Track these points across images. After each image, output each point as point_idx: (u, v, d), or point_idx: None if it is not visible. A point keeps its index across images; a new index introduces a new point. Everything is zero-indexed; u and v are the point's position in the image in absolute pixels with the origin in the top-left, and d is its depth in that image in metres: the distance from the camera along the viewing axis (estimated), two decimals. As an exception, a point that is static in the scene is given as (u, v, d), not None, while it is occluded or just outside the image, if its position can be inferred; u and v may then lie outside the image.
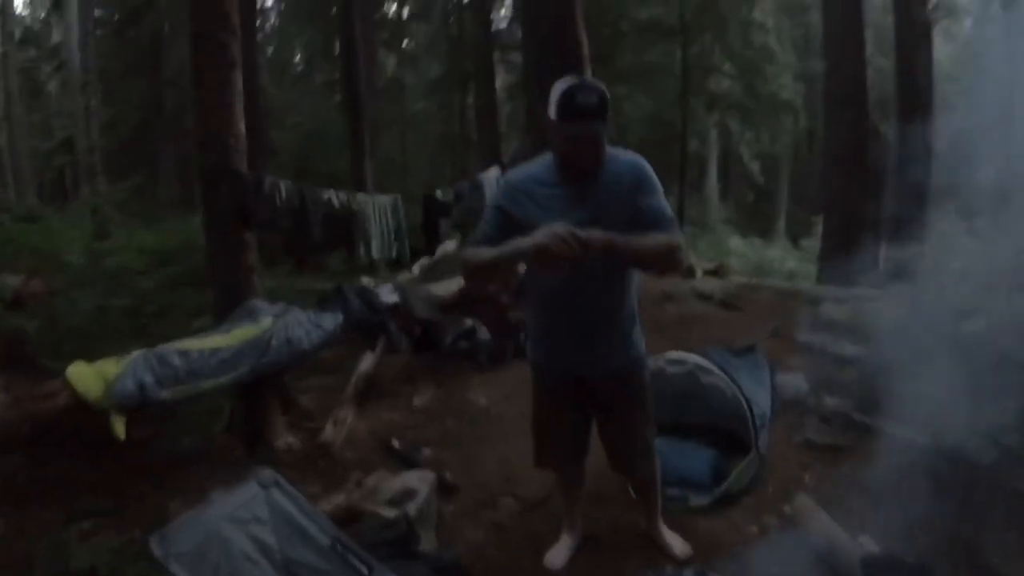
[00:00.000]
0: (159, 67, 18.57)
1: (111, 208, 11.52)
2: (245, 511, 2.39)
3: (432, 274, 5.46)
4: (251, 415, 3.95)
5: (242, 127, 3.85)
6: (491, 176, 5.84)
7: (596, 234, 2.16)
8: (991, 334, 2.99)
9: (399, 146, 20.25)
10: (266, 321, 3.86)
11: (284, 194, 4.12)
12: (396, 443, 3.80)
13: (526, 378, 4.49)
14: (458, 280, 4.97)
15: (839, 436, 3.57)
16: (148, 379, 3.41)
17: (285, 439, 3.96)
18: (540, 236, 2.13)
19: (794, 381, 4.01)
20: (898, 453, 3.08)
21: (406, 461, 3.68)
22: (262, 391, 3.93)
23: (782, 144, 19.18)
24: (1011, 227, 3.13)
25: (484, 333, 4.66)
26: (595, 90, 2.21)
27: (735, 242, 17.49)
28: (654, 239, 2.31)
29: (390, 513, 3.00)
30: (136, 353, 3.50)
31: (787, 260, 16.77)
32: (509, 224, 2.36)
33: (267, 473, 2.55)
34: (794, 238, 19.70)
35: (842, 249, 6.98)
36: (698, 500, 3.22)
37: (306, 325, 4.01)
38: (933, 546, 2.56)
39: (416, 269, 6.19)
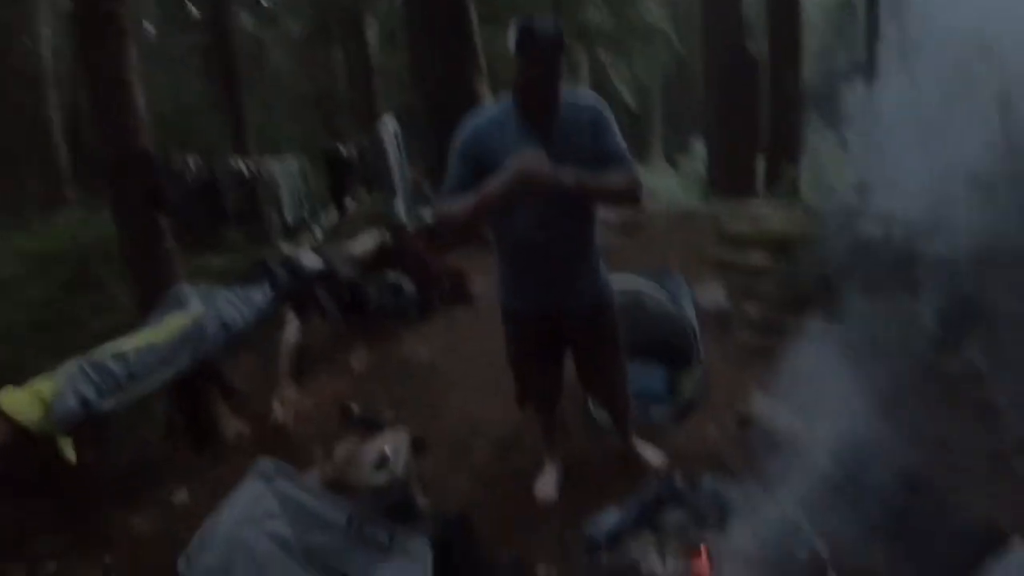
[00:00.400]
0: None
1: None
2: (256, 509, 2.36)
3: (339, 235, 5.37)
4: (194, 410, 3.79)
5: (142, 103, 3.58)
6: (388, 128, 5.74)
7: (568, 172, 2.27)
8: (888, 235, 3.38)
9: (264, 110, 18.99)
10: (196, 307, 3.69)
11: (194, 169, 3.91)
12: (355, 408, 3.80)
13: (461, 326, 4.69)
14: (372, 237, 4.94)
15: (768, 338, 3.93)
16: (89, 391, 3.18)
17: (234, 428, 3.86)
18: (516, 163, 2.22)
19: (713, 294, 4.35)
20: (827, 345, 3.47)
21: (370, 425, 3.69)
22: (200, 382, 3.79)
23: (654, 71, 19.66)
24: (880, 137, 3.52)
25: (409, 286, 4.67)
26: (551, 24, 2.29)
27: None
28: (618, 177, 2.45)
29: (379, 479, 3.03)
30: (69, 365, 3.24)
31: (670, 183, 17.51)
32: (476, 171, 2.39)
33: (265, 464, 2.51)
34: (671, 160, 20.43)
35: (730, 168, 7.44)
36: (659, 412, 3.49)
37: (237, 304, 3.87)
38: (883, 424, 2.90)
39: (319, 232, 6.04)
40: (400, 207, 5.83)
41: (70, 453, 3.05)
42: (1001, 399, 3.15)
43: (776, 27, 9.63)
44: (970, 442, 2.98)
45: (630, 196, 2.54)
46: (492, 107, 2.55)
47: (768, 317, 4.05)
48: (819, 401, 3.14)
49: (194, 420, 3.77)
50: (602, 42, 16.75)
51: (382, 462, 3.18)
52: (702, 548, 2.53)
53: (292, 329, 4.49)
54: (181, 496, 3.43)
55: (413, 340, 4.52)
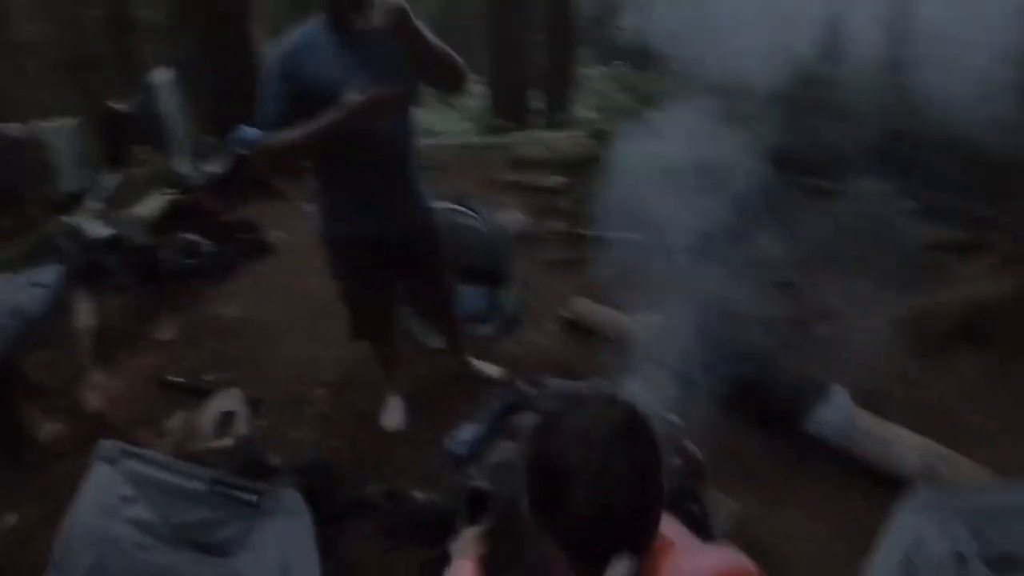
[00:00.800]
0: None
1: None
2: (110, 497, 2.13)
3: (123, 199, 4.84)
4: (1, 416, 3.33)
5: None
6: (162, 81, 5.21)
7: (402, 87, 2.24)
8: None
9: (10, 77, 15.92)
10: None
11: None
12: (177, 379, 3.56)
13: (266, 279, 4.51)
14: (160, 198, 4.55)
15: (572, 251, 4.23)
16: None
17: (49, 429, 3.43)
18: (355, 98, 2.15)
19: (514, 216, 4.56)
20: (628, 251, 3.81)
21: (195, 392, 3.48)
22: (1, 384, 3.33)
23: (429, 12, 19.13)
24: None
25: (206, 245, 4.38)
26: None
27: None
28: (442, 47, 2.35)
29: (225, 442, 2.92)
30: None
31: (451, 119, 17.40)
32: (293, 93, 2.30)
33: (105, 445, 2.23)
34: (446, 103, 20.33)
35: (510, 103, 7.65)
36: (486, 330, 3.66)
37: (24, 288, 3.42)
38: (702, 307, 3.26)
39: (97, 197, 5.39)
40: (182, 163, 5.41)
41: None
42: (796, 278, 3.70)
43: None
44: (778, 312, 3.46)
45: (459, 71, 2.40)
46: (301, 28, 2.41)
47: (572, 232, 4.34)
48: (639, 298, 3.50)
49: (6, 428, 3.33)
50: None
51: (223, 424, 3.07)
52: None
53: (85, 310, 4.06)
54: (10, 520, 2.98)
55: (219, 299, 4.23)
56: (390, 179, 2.58)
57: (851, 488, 2.69)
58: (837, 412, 2.76)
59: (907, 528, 2.20)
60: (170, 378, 3.52)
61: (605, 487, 1.05)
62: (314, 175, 2.63)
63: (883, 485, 2.63)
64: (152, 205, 4.51)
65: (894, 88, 4.54)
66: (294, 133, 2.25)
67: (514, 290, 3.81)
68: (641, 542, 1.09)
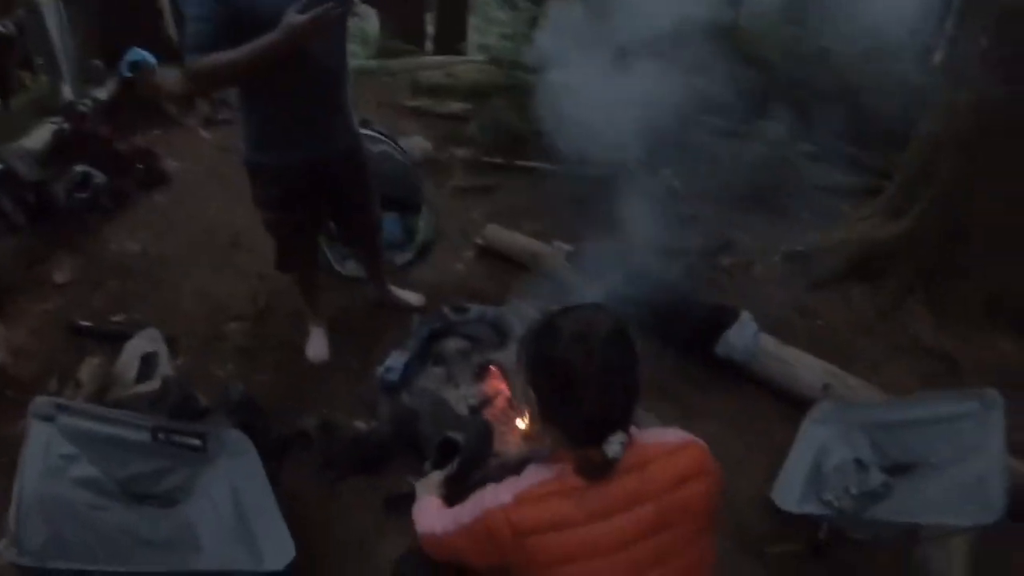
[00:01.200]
0: None
1: None
2: (51, 457, 2.07)
3: (6, 129, 4.42)
4: None
5: None
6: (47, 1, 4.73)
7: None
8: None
9: None
10: None
11: None
12: (85, 323, 3.42)
13: (166, 210, 4.33)
14: (48, 128, 4.22)
15: (481, 178, 4.29)
16: None
17: None
18: (297, 19, 2.12)
19: (419, 142, 4.55)
20: (538, 178, 3.92)
21: (108, 336, 3.37)
22: None
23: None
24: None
25: (99, 176, 4.13)
26: None
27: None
28: None
29: (151, 385, 2.88)
30: None
31: None
32: (228, 14, 2.20)
33: (40, 403, 2.17)
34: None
35: (402, 29, 7.34)
36: (402, 257, 3.72)
37: None
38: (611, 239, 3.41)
39: None
40: (68, 89, 5.01)
41: None
42: (700, 212, 3.91)
43: None
44: (684, 244, 3.68)
45: None
46: None
47: (478, 159, 4.39)
48: (551, 226, 3.64)
49: None
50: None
51: (145, 366, 3.02)
52: (491, 367, 2.88)
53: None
54: None
55: (117, 234, 4.01)
56: (325, 102, 2.56)
57: (758, 404, 2.98)
58: (745, 335, 3.01)
59: (813, 438, 2.54)
60: (80, 323, 3.38)
61: (604, 378, 1.26)
62: (242, 99, 2.55)
63: (785, 401, 2.95)
64: (40, 136, 4.18)
65: (795, 39, 4.78)
66: (234, 55, 2.18)
67: (427, 217, 3.86)
68: (629, 422, 1.32)
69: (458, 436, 2.10)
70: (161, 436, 2.32)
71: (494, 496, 1.37)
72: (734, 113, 4.54)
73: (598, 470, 1.31)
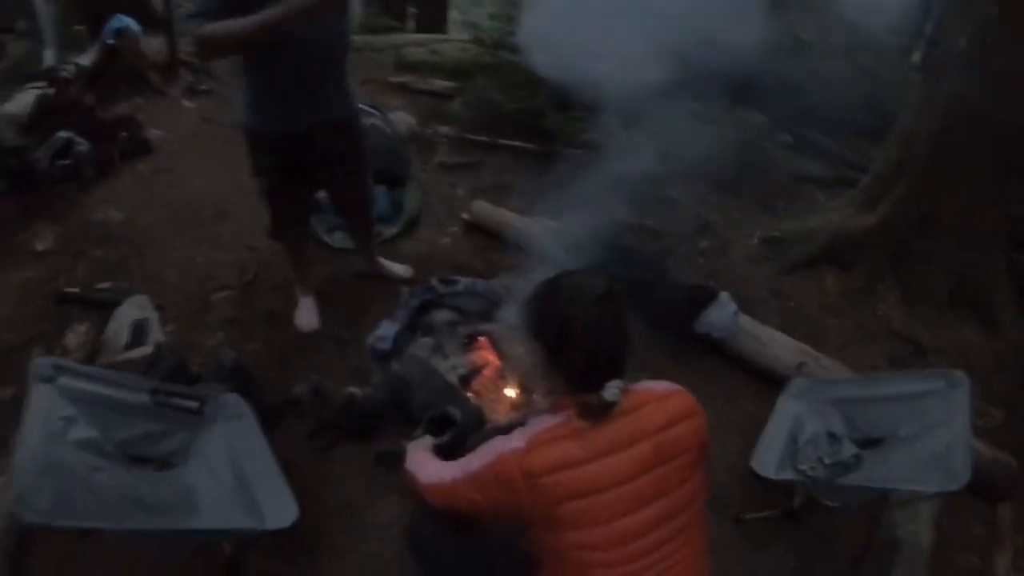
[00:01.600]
0: None
1: None
2: (53, 420, 2.07)
3: None
4: None
5: None
6: None
7: None
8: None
9: None
10: None
11: None
12: (71, 290, 3.40)
13: (149, 179, 4.32)
14: (29, 93, 4.15)
15: (465, 155, 4.34)
16: None
17: None
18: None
19: (404, 118, 4.58)
20: (521, 156, 3.98)
21: (95, 303, 3.35)
22: None
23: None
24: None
25: (81, 143, 4.09)
26: None
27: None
28: None
29: (144, 350, 2.89)
30: None
31: None
32: None
33: (41, 364, 2.15)
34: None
35: (385, 8, 7.30)
36: (390, 230, 3.76)
37: None
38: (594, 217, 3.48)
39: None
40: (49, 54, 4.92)
41: None
42: (679, 195, 4.01)
43: None
44: (670, 227, 3.77)
45: None
46: None
47: (462, 136, 4.43)
48: (534, 202, 3.70)
49: None
50: None
51: (138, 332, 3.03)
52: (480, 338, 2.96)
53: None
54: None
55: (100, 203, 3.96)
56: (326, 74, 2.59)
57: (733, 379, 3.12)
58: (723, 315, 3.14)
59: (789, 412, 2.67)
60: (66, 290, 3.36)
61: (601, 328, 1.45)
62: (243, 68, 2.56)
63: (759, 378, 3.09)
64: (22, 101, 4.11)
65: (775, 29, 4.87)
66: (237, 25, 2.20)
67: (414, 192, 3.91)
68: (624, 370, 1.49)
69: (456, 412, 2.20)
70: (160, 398, 2.33)
71: (505, 443, 1.49)
72: (712, 99, 4.63)
73: (598, 413, 1.47)
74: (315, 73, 2.56)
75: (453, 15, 7.69)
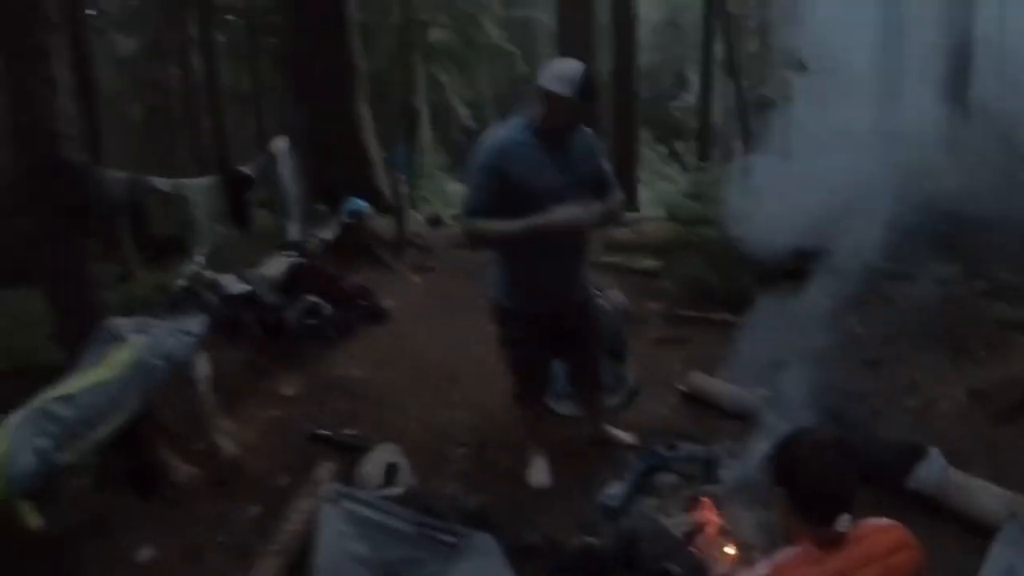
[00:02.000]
0: None
1: None
2: (338, 537, 2.42)
3: (244, 258, 5.15)
4: (135, 453, 3.43)
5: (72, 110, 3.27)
6: (281, 148, 5.64)
7: (596, 206, 2.77)
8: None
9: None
10: (137, 340, 3.45)
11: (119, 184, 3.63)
12: (323, 431, 3.75)
13: (384, 343, 4.76)
14: (284, 259, 4.87)
15: (677, 329, 4.52)
16: (44, 444, 2.82)
17: (185, 470, 3.51)
18: (561, 216, 2.64)
19: (617, 295, 4.85)
20: (729, 328, 4.09)
21: (344, 445, 3.64)
22: (141, 423, 3.51)
23: (495, 89, 20.28)
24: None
25: (326, 307, 4.65)
26: (594, 73, 2.72)
27: (452, 187, 18.26)
28: (616, 199, 2.97)
29: (396, 490, 3.11)
30: (13, 418, 2.85)
31: None
32: (501, 186, 2.72)
33: (328, 490, 2.59)
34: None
35: None
36: (613, 400, 3.92)
37: (174, 335, 3.65)
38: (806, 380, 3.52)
39: (200, 257, 5.70)
40: (294, 228, 5.78)
41: (34, 519, 2.72)
42: (881, 355, 3.99)
43: (617, 47, 10.81)
44: (871, 386, 3.73)
45: (623, 215, 3.04)
46: (509, 128, 2.87)
47: (673, 312, 4.64)
48: (747, 373, 3.77)
49: (138, 465, 3.48)
50: (444, 60, 17.24)
51: (390, 474, 3.27)
52: (702, 500, 2.99)
53: (203, 360, 4.27)
54: (146, 553, 3.11)
55: (341, 360, 4.52)
56: (575, 262, 3.01)
57: (946, 533, 2.96)
58: (933, 470, 3.10)
59: (1001, 559, 2.51)
60: (318, 431, 3.72)
61: (834, 472, 1.73)
62: (500, 253, 3.00)
63: (971, 531, 2.94)
64: (275, 266, 4.81)
65: (957, 172, 4.93)
66: (502, 227, 2.70)
67: (632, 364, 4.09)
68: (854, 506, 1.72)
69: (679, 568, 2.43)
70: (424, 529, 2.55)
71: (751, 572, 1.78)
72: (904, 255, 4.65)
73: (831, 542, 1.71)
74: (567, 262, 2.97)
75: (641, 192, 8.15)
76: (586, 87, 2.66)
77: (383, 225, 5.92)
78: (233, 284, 4.37)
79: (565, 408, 3.85)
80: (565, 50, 11.42)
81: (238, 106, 16.30)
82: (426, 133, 22.30)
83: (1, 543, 2.84)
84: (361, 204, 5.68)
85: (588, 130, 2.95)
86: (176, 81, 15.97)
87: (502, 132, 2.86)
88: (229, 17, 15.78)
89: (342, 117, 6.93)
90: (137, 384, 3.29)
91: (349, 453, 3.57)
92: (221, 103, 14.27)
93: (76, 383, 3.17)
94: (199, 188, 4.59)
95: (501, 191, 2.72)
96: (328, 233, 5.58)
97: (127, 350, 3.37)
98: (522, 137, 2.79)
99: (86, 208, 3.43)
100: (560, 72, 2.70)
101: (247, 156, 6.70)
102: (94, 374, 3.23)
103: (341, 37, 7.22)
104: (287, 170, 5.68)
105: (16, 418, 2.89)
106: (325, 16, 7.17)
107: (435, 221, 8.16)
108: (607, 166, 3.01)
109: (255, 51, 14.78)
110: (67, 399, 3.05)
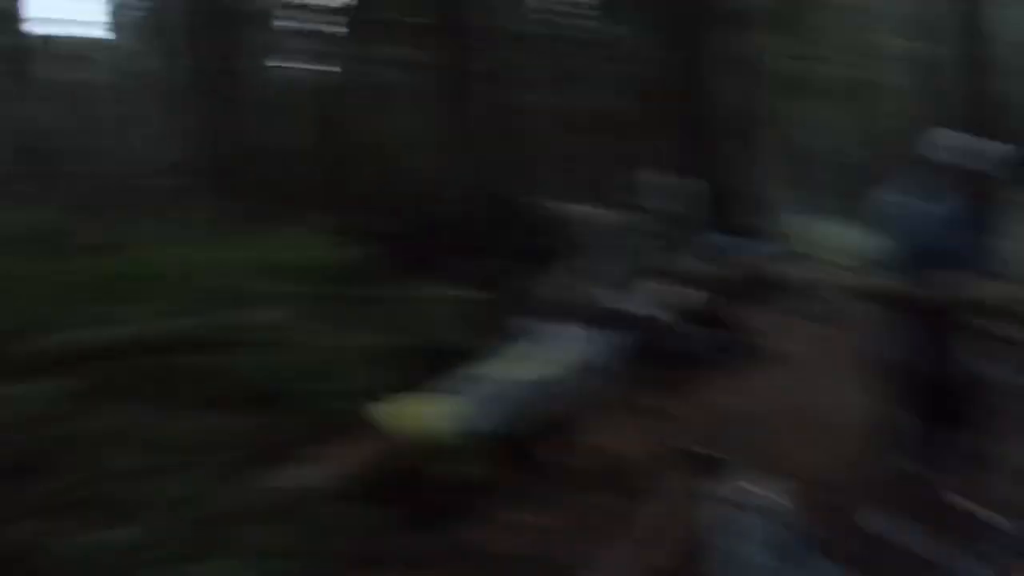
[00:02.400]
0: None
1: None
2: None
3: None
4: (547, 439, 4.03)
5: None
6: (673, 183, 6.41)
7: None
8: None
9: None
10: (580, 346, 4.27)
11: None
12: (701, 450, 4.19)
13: (762, 381, 5.00)
14: (689, 292, 5.43)
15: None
16: (499, 414, 3.67)
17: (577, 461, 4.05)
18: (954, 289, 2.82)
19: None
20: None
21: (711, 466, 4.00)
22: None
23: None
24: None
25: (724, 338, 5.09)
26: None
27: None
28: None
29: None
30: (476, 389, 3.78)
31: None
32: (902, 237, 3.02)
33: (731, 490, 2.89)
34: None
35: None
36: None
37: (606, 345, 4.42)
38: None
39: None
40: (686, 259, 6.31)
41: (474, 468, 3.49)
42: None
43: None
44: None
45: None
46: (916, 182, 3.10)
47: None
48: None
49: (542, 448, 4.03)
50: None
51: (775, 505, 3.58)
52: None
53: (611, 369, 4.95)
54: (539, 521, 3.53)
55: (720, 391, 4.85)
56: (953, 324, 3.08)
57: None
58: None
59: None
60: (699, 449, 4.16)
61: None
62: (895, 310, 3.18)
63: None
64: (697, 298, 5.36)
65: None
66: (920, 293, 2.91)
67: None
68: None
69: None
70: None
71: None
72: None
73: None
74: (956, 328, 3.05)
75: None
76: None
77: (785, 268, 6.08)
78: (646, 307, 5.02)
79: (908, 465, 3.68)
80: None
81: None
82: (818, 174, 21.19)
83: (413, 484, 3.45)
84: (763, 246, 5.95)
85: None
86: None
87: (910, 186, 3.13)
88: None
89: (729, 157, 7.08)
90: (571, 383, 4.11)
91: (712, 472, 3.90)
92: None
93: (523, 373, 4.02)
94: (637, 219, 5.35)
95: (903, 244, 3.05)
96: (721, 268, 5.95)
97: (573, 354, 4.22)
98: (945, 207, 3.00)
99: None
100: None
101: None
102: (545, 366, 4.09)
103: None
104: (682, 204, 6.22)
105: (479, 388, 3.81)
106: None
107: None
108: None
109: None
110: (520, 384, 3.90)
